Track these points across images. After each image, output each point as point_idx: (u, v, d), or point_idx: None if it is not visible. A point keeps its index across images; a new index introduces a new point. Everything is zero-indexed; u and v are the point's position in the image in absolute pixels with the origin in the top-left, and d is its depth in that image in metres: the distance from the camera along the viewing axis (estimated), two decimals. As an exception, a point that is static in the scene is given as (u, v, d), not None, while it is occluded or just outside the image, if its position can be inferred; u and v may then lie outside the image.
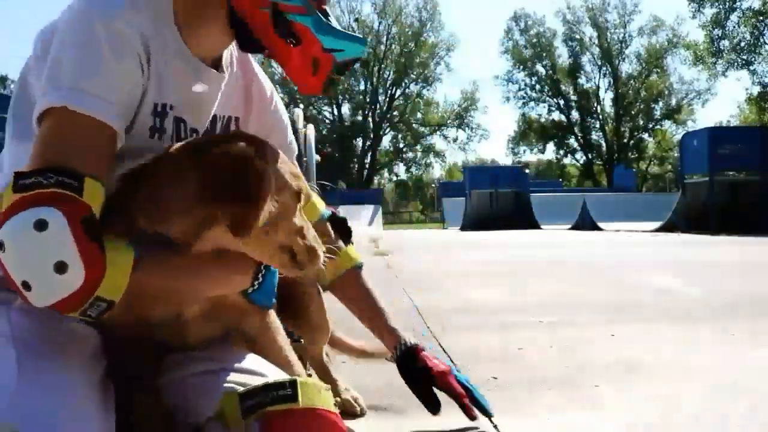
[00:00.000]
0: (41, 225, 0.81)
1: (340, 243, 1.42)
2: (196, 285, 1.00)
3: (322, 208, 1.39)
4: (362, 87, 44.18)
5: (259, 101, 1.25)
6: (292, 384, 0.96)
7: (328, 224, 1.39)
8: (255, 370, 1.04)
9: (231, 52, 1.17)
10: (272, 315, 1.17)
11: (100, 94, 0.91)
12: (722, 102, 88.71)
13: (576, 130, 44.31)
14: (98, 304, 0.86)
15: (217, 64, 1.12)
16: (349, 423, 1.35)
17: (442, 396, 1.74)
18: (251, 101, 1.24)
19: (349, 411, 1.50)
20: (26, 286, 0.83)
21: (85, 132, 0.90)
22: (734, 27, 26.64)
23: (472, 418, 1.37)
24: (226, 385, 1.00)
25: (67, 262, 0.82)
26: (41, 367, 0.88)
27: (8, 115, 1.05)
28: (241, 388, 0.98)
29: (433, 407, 1.37)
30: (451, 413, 1.59)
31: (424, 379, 1.37)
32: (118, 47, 0.93)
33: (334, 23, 1.02)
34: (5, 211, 0.83)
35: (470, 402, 1.37)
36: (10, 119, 1.05)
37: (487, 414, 1.42)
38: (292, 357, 1.17)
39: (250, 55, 1.20)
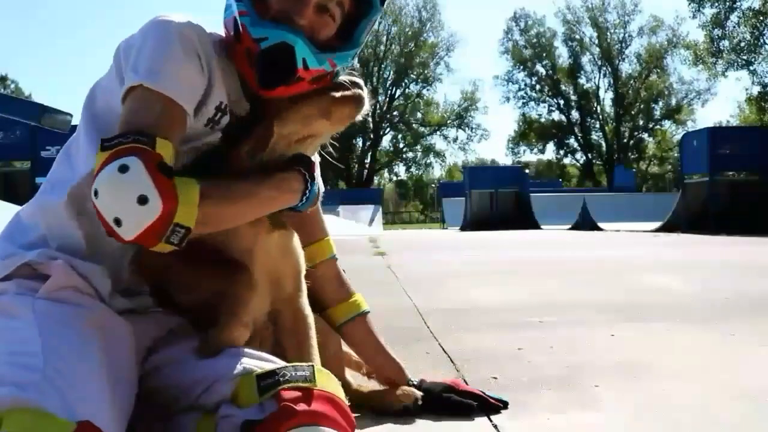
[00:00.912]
0: (123, 168, 0.97)
1: (351, 287, 1.61)
2: (254, 205, 1.14)
3: (334, 249, 1.56)
4: (362, 87, 44.16)
5: None
6: (309, 368, 1.03)
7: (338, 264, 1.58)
8: (266, 357, 1.08)
9: None
10: (306, 307, 1.30)
11: (172, 76, 1.08)
12: (722, 102, 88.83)
13: (576, 130, 44.33)
14: (177, 230, 1.00)
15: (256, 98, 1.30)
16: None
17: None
18: None
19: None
20: (117, 222, 0.97)
21: (158, 105, 1.07)
22: (734, 27, 26.64)
23: (495, 409, 1.52)
24: (241, 367, 1.03)
25: (147, 195, 0.97)
26: (63, 353, 0.94)
27: (79, 123, 1.23)
28: (258, 370, 1.01)
29: (468, 409, 1.50)
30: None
31: (448, 390, 1.54)
32: (187, 48, 1.11)
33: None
34: (98, 168, 1.00)
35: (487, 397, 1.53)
36: (81, 128, 1.22)
37: (505, 403, 1.56)
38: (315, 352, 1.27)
39: None
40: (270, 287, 1.23)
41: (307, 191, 1.18)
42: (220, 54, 1.19)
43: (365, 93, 1.24)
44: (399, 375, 1.53)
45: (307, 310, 1.32)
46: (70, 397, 0.86)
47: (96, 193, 0.98)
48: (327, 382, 1.02)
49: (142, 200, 0.96)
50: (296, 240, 1.30)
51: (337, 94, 1.21)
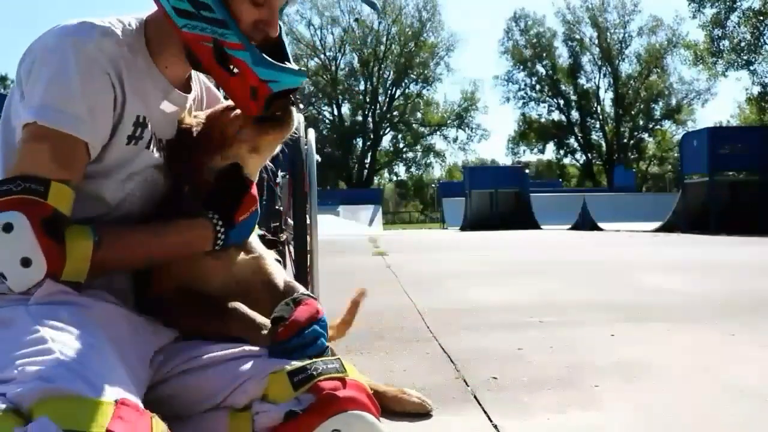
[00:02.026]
0: (7, 227, 0.97)
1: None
2: (157, 253, 1.14)
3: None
4: (362, 87, 44.20)
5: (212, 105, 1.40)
6: (337, 360, 1.07)
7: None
8: (280, 360, 1.08)
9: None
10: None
11: (66, 109, 1.03)
12: (722, 102, 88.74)
13: (576, 130, 44.30)
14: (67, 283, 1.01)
15: (185, 85, 1.27)
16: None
17: (445, 394, 1.75)
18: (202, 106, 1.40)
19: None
20: (3, 276, 1.00)
21: (54, 143, 1.03)
22: (734, 27, 26.62)
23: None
24: (269, 366, 1.04)
25: (31, 257, 0.98)
26: (75, 346, 0.93)
27: None
28: (288, 367, 1.03)
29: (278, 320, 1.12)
30: (451, 414, 1.59)
31: (294, 301, 1.16)
32: (91, 69, 1.06)
33: (288, 51, 1.19)
34: None
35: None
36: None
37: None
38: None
39: None
40: (247, 305, 1.22)
41: (220, 235, 1.16)
42: (137, 54, 1.14)
43: (293, 114, 1.21)
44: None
45: None
46: (97, 382, 0.86)
47: None
48: (353, 372, 1.08)
49: (26, 262, 0.97)
50: (268, 259, 1.29)
51: (268, 131, 1.20)
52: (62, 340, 0.92)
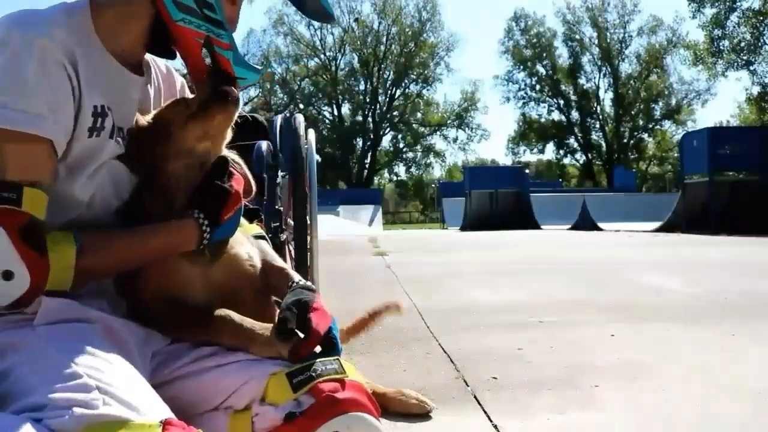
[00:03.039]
0: None
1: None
2: (141, 256, 1.11)
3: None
4: (362, 87, 44.21)
5: (167, 91, 1.37)
6: (336, 361, 1.06)
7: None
8: (278, 361, 1.08)
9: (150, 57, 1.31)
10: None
11: (26, 108, 0.98)
12: (722, 102, 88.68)
13: (576, 130, 44.31)
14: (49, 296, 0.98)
15: (137, 68, 1.23)
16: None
17: (445, 394, 1.75)
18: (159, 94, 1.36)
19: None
20: None
21: (18, 145, 0.97)
22: (734, 27, 26.64)
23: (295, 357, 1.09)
24: (268, 368, 1.04)
25: (12, 270, 0.93)
26: (98, 366, 0.92)
27: None
28: (288, 369, 1.03)
29: (286, 337, 1.07)
30: (451, 414, 1.59)
31: (300, 307, 1.12)
32: (41, 62, 1.00)
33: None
34: None
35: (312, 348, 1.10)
36: None
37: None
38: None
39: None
40: (225, 305, 1.19)
41: (205, 235, 1.12)
42: (88, 40, 1.10)
43: (238, 93, 1.20)
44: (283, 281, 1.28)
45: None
46: (136, 404, 0.86)
47: None
48: (353, 373, 1.07)
49: (8, 275, 0.93)
50: (251, 255, 1.26)
51: (215, 115, 1.17)
52: (86, 363, 0.90)
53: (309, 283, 1.21)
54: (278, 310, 1.13)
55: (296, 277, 1.25)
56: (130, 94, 1.19)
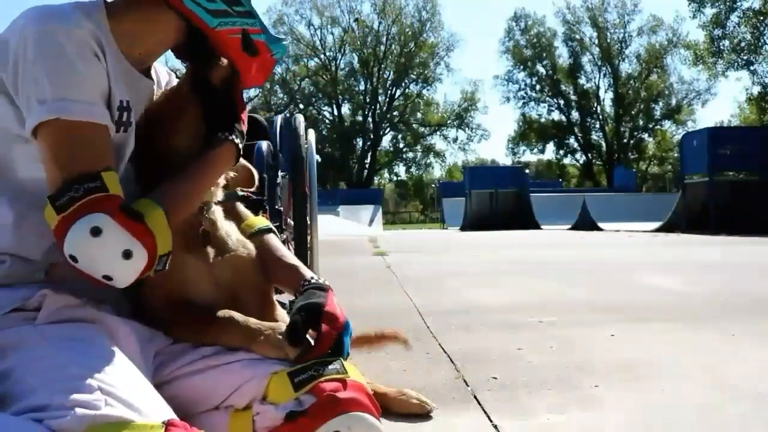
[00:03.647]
0: (95, 231, 0.95)
1: (244, 211, 1.40)
2: (200, 189, 1.17)
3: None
4: (362, 87, 44.19)
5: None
6: (338, 361, 1.07)
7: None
8: (279, 360, 1.08)
9: None
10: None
11: (81, 98, 1.01)
12: (722, 102, 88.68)
13: (576, 130, 44.29)
14: (162, 259, 1.03)
15: (147, 73, 1.26)
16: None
17: (445, 394, 1.75)
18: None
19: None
20: (107, 278, 0.98)
21: (83, 135, 1.01)
22: (734, 27, 26.64)
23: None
24: (269, 368, 1.04)
25: (130, 248, 0.97)
26: (101, 367, 0.92)
27: None
28: (289, 368, 1.03)
29: (296, 342, 1.08)
30: (451, 414, 1.59)
31: (311, 312, 1.12)
32: (83, 53, 1.03)
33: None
34: (56, 231, 0.97)
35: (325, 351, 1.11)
36: None
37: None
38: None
39: None
40: (227, 304, 1.20)
41: (239, 147, 1.21)
42: (108, 39, 1.11)
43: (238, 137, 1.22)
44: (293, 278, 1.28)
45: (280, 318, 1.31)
46: (138, 405, 0.86)
47: (74, 259, 0.97)
48: (354, 373, 1.07)
49: (127, 255, 0.97)
50: (246, 246, 1.27)
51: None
52: (87, 363, 0.91)
53: (322, 281, 1.21)
54: (289, 311, 1.13)
55: (308, 274, 1.25)
56: (141, 96, 1.21)
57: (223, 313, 1.14)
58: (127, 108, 1.13)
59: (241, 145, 1.20)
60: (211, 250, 1.20)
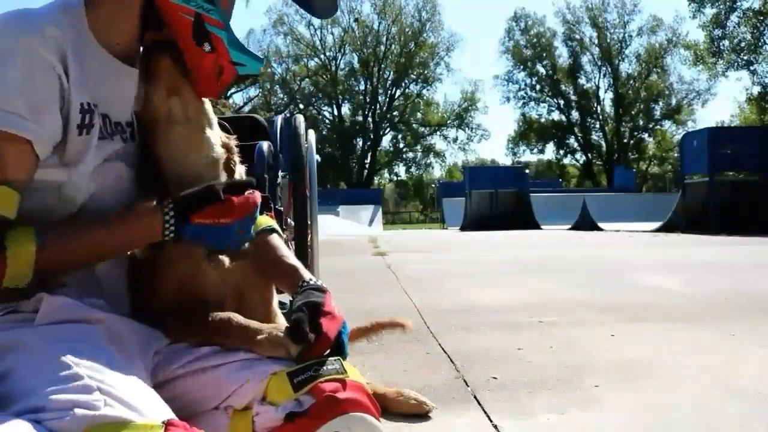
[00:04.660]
0: None
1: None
2: (110, 247, 1.09)
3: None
4: (362, 87, 44.21)
5: None
6: (338, 361, 1.06)
7: None
8: (280, 360, 1.08)
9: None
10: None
11: (8, 108, 0.98)
12: (722, 102, 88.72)
13: (576, 130, 44.31)
14: (9, 293, 0.99)
15: (133, 61, 1.21)
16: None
17: (445, 394, 1.75)
18: None
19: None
20: None
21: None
22: (734, 27, 26.64)
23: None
24: (268, 368, 1.04)
25: None
26: (99, 368, 0.91)
27: None
28: (289, 368, 1.03)
29: (299, 339, 1.07)
30: (451, 414, 1.59)
31: (312, 310, 1.11)
32: (26, 62, 1.00)
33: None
34: None
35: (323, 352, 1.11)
36: None
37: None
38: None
39: None
40: (233, 301, 1.21)
41: (167, 225, 1.07)
42: (80, 33, 1.09)
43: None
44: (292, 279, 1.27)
45: (278, 318, 1.32)
46: (137, 405, 0.86)
47: None
48: (354, 374, 1.07)
49: None
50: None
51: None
52: (87, 364, 0.90)
53: (320, 283, 1.20)
54: (287, 312, 1.13)
55: (307, 276, 1.24)
56: (126, 87, 1.18)
57: (224, 314, 1.14)
58: (89, 110, 1.09)
59: (169, 226, 1.07)
60: (228, 255, 1.19)
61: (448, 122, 45.26)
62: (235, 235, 1.12)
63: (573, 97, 44.37)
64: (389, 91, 44.34)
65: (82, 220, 1.09)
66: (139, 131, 1.21)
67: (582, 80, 43.99)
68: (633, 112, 42.93)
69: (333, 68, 43.77)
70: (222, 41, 1.11)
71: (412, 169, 48.13)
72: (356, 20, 42.96)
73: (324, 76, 43.61)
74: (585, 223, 14.69)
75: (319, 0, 1.27)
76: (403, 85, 44.49)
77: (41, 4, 1.13)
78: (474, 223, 17.64)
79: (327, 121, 44.61)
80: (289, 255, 1.32)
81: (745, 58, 26.95)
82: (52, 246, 1.01)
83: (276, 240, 1.33)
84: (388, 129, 45.32)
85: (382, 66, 43.68)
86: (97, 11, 1.12)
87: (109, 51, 1.13)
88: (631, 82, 42.95)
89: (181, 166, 1.17)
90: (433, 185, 42.07)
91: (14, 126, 0.99)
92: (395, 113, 44.78)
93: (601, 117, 43.76)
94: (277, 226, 1.37)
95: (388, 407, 1.55)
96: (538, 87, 45.05)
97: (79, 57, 1.08)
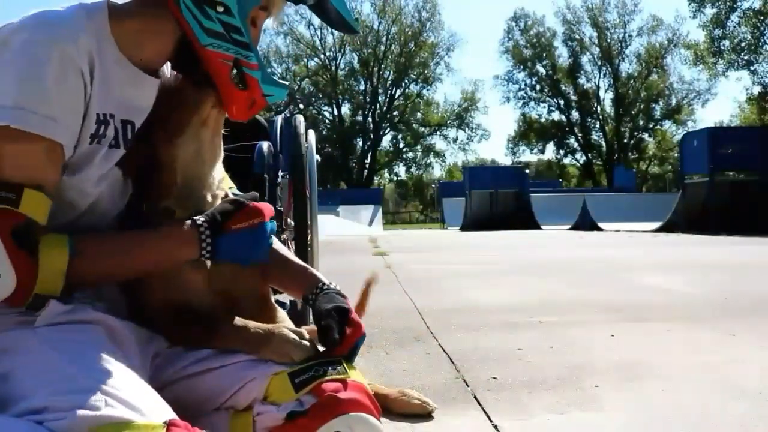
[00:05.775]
0: None
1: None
2: (139, 260, 1.09)
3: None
4: (362, 87, 44.19)
5: None
6: (339, 360, 1.07)
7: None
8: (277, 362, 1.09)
9: None
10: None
11: (41, 110, 0.98)
12: (722, 102, 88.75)
13: (576, 130, 44.30)
14: (40, 300, 0.97)
15: (153, 73, 1.22)
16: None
17: (445, 394, 1.75)
18: None
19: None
20: None
21: (29, 146, 0.98)
22: (735, 27, 26.65)
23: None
24: (270, 368, 1.04)
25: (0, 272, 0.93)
26: (101, 369, 0.92)
27: None
28: (290, 368, 1.04)
29: (331, 343, 1.12)
30: (451, 414, 1.60)
31: (342, 317, 1.15)
32: (61, 67, 1.00)
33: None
34: None
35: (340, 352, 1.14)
36: None
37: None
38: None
39: None
40: (225, 309, 1.19)
41: (204, 243, 1.08)
42: (106, 43, 1.09)
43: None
44: (303, 279, 1.29)
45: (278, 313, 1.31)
46: (139, 405, 0.86)
47: None
48: (355, 374, 1.07)
49: None
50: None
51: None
52: (87, 365, 0.90)
53: (339, 288, 1.22)
54: (290, 311, 1.13)
55: (323, 278, 1.25)
56: (145, 97, 1.18)
57: (223, 319, 1.14)
58: (104, 121, 1.10)
59: (207, 240, 1.08)
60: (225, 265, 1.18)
61: (448, 122, 45.24)
62: (267, 236, 1.15)
63: (573, 97, 44.36)
64: (389, 91, 44.33)
65: (113, 234, 1.11)
66: (148, 140, 1.20)
67: (582, 80, 44.01)
68: (633, 112, 42.92)
69: (333, 68, 43.76)
70: (257, 80, 1.18)
71: (412, 169, 48.18)
72: (356, 20, 42.88)
73: (324, 76, 43.60)
74: (585, 223, 14.70)
75: (333, 15, 1.30)
76: (403, 85, 44.47)
77: (41, 4, 1.13)
78: (474, 223, 17.64)
79: (327, 121, 44.60)
80: (292, 254, 1.33)
81: (746, 58, 26.96)
82: (85, 257, 1.01)
83: (275, 241, 1.33)
84: (388, 129, 45.32)
85: (382, 66, 43.67)
86: (124, 24, 1.11)
87: (129, 60, 1.13)
88: (631, 82, 42.94)
89: (197, 181, 1.19)
90: (433, 185, 42.02)
91: (51, 131, 0.99)
92: (395, 113, 44.76)
93: (601, 117, 43.76)
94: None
95: (391, 407, 1.55)
96: (538, 87, 45.06)
97: (104, 66, 1.08)
